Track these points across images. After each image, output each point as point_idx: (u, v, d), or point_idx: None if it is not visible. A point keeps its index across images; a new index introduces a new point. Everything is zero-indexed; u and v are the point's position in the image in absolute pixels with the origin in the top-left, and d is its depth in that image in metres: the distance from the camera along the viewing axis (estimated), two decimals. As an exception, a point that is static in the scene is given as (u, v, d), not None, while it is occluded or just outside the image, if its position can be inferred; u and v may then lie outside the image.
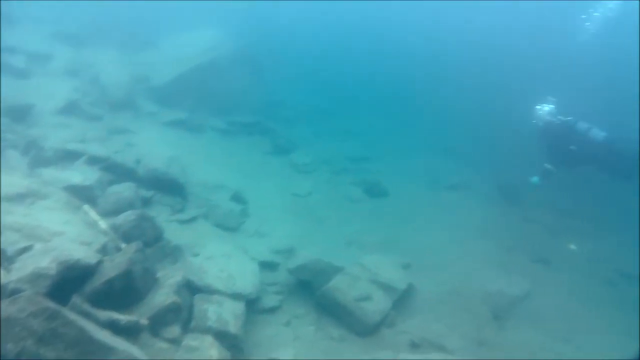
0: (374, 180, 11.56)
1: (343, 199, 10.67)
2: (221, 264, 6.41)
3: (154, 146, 9.66)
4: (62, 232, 5.15)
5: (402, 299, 6.91)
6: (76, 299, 3.93)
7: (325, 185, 11.12)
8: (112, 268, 4.57)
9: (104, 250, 5.17)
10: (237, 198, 9.00)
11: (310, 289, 6.75)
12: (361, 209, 10.38)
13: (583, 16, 14.12)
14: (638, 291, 9.88)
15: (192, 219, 7.79)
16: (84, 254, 4.56)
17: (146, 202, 7.61)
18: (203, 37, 14.95)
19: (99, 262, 4.60)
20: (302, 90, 19.10)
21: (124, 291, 4.55)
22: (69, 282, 4.19)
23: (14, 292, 3.65)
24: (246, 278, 6.29)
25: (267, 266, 7.13)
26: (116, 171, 7.85)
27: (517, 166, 10.07)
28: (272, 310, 6.31)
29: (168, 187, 8.19)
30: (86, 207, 6.17)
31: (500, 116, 19.17)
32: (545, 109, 8.92)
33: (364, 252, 8.18)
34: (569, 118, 8.61)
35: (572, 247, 11.68)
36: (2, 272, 3.95)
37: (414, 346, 6.10)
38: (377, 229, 9.55)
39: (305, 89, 19.55)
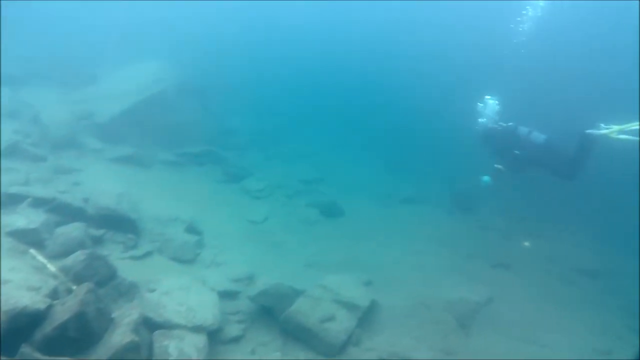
0: (329, 200, 11.62)
1: (299, 222, 10.66)
2: (179, 297, 6.24)
3: (101, 184, 9.38)
4: (8, 280, 4.90)
5: (367, 316, 6.90)
6: (25, 349, 3.75)
7: (280, 210, 11.09)
8: (63, 312, 4.38)
9: (54, 294, 4.95)
10: (192, 229, 8.82)
11: (273, 315, 6.65)
12: (318, 231, 10.40)
13: (518, 18, 14.64)
14: (595, 287, 10.23)
15: (147, 255, 7.60)
16: (32, 300, 4.36)
17: (97, 241, 7.37)
18: (147, 69, 14.77)
19: (49, 307, 4.42)
20: (251, 117, 19.04)
21: (79, 334, 4.37)
22: (17, 331, 3.99)
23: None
24: (206, 309, 6.14)
25: (227, 295, 7.00)
26: (63, 212, 7.56)
27: (467, 173, 10.28)
28: (236, 339, 6.17)
29: (119, 224, 7.96)
30: (33, 251, 5.93)
31: (445, 125, 19.70)
32: (485, 113, 9.17)
33: (325, 273, 8.10)
34: (510, 123, 8.85)
35: (526, 244, 12.03)
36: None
37: (383, 362, 6.10)
38: (336, 249, 9.57)
39: (254, 115, 19.49)
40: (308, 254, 9.11)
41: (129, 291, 6.16)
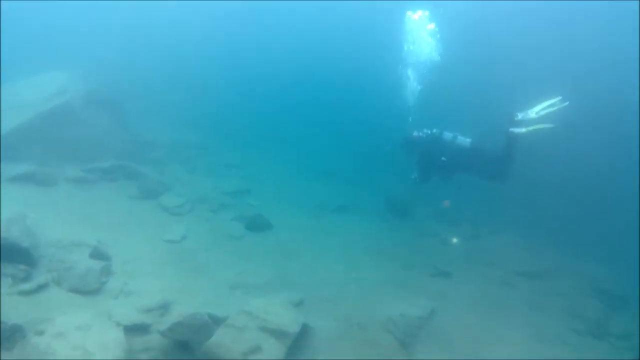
0: (255, 213, 10.81)
1: (223, 239, 9.78)
2: (75, 339, 5.28)
3: (-8, 208, 8.18)
4: None
5: (298, 343, 6.16)
6: None
7: (202, 226, 10.15)
8: None
9: None
10: (98, 254, 7.76)
11: (190, 350, 5.79)
12: (244, 247, 9.57)
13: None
14: (535, 290, 10.07)
15: (40, 288, 6.50)
16: None
17: (-25, 276, 6.25)
18: (51, 80, 13.39)
19: None
20: (172, 128, 17.93)
21: None
22: None
23: None
24: (108, 351, 5.23)
25: (136, 330, 6.05)
26: None
27: (398, 178, 9.86)
28: (144, 383, 5.28)
29: (8, 253, 6.81)
30: None
31: (371, 130, 19.47)
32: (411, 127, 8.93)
33: (251, 296, 7.38)
34: (434, 130, 8.66)
35: (454, 240, 11.83)
36: None
37: (315, 396, 5.39)
38: (263, 267, 8.79)
39: (175, 126, 18.40)
40: (232, 275, 8.26)
41: (10, 337, 5.14)
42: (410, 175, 8.97)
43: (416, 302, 7.94)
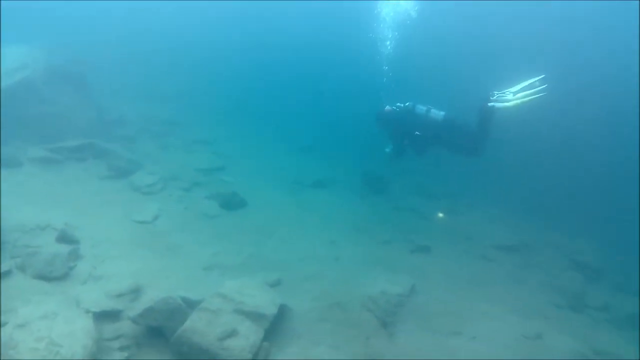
0: (230, 191, 10.50)
1: (197, 218, 9.48)
2: (40, 329, 5.00)
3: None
4: None
5: (275, 326, 5.98)
6: None
7: (175, 205, 9.82)
8: None
9: None
10: (65, 238, 7.43)
11: (164, 336, 5.56)
12: (219, 226, 9.29)
13: None
14: (514, 263, 10.10)
15: (2, 275, 6.16)
16: None
17: None
18: (11, 55, 12.73)
19: None
20: (142, 103, 17.42)
21: None
22: None
23: None
24: (76, 340, 4.96)
25: (106, 317, 5.80)
26: None
27: (375, 152, 9.66)
28: (116, 373, 5.05)
29: (-34, 240, 6.49)
30: None
31: (349, 107, 19.22)
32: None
33: (227, 277, 7.16)
34: (407, 103, 8.48)
35: (440, 215, 11.82)
36: None
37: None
38: (238, 246, 8.55)
39: (145, 101, 17.88)
40: (207, 255, 8.00)
41: (-31, 329, 4.84)
42: (384, 149, 8.84)
43: (396, 279, 7.81)
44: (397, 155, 8.67)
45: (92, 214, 8.65)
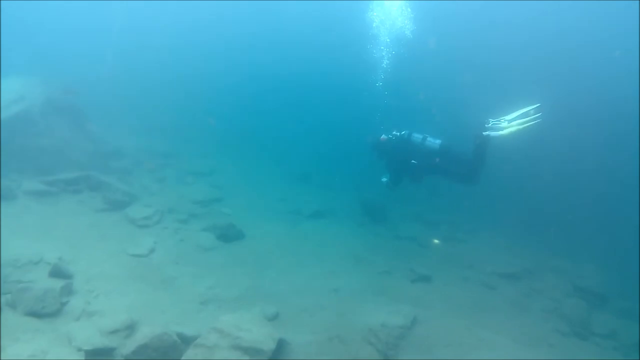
0: (227, 223, 10.36)
1: (193, 251, 9.32)
2: (29, 369, 4.83)
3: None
4: None
5: (274, 361, 5.78)
6: None
7: (171, 238, 9.66)
8: None
9: None
10: (59, 272, 7.25)
11: (158, 374, 5.37)
12: (215, 259, 9.13)
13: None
14: (517, 291, 9.94)
15: (-8, 313, 6.02)
16: None
17: None
18: (7, 87, 12.71)
19: None
20: (139, 136, 17.41)
21: None
22: None
23: None
24: (66, 381, 4.78)
25: (98, 355, 5.60)
26: None
27: (373, 180, 9.58)
28: (107, 415, 4.85)
29: (-44, 276, 6.33)
30: None
31: (346, 134, 19.25)
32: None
33: (223, 311, 6.99)
34: (403, 132, 8.47)
35: (436, 241, 11.69)
36: None
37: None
38: (235, 279, 8.38)
39: (143, 133, 17.89)
40: (203, 289, 7.83)
41: (-45, 370, 4.66)
42: (381, 178, 8.80)
43: (397, 309, 7.66)
44: (394, 184, 8.63)
45: (87, 248, 8.49)
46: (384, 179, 8.69)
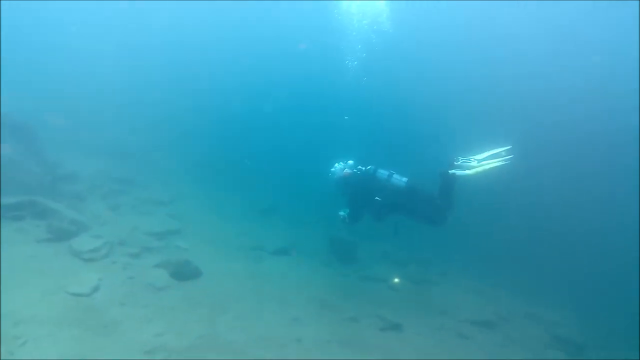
0: (183, 259, 9.47)
1: (143, 290, 8.38)
2: None
3: None
4: None
5: None
6: None
7: (118, 275, 8.70)
8: None
9: None
10: (-20, 315, 6.33)
11: None
12: (167, 300, 8.21)
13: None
14: (494, 340, 9.43)
15: None
16: None
17: None
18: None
19: None
20: (97, 160, 16.40)
21: None
22: None
23: None
24: None
25: (14, 422, 4.69)
26: None
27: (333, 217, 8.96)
28: None
29: None
30: None
31: (313, 165, 18.76)
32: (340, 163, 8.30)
33: (170, 364, 6.13)
34: (368, 167, 8.05)
35: (396, 280, 11.16)
36: None
37: None
38: (188, 324, 7.51)
39: (101, 157, 16.88)
40: (150, 335, 6.93)
41: None
42: (338, 212, 8.23)
43: (364, 366, 6.93)
44: (353, 220, 8.09)
45: (19, 285, 7.52)
46: (342, 213, 8.16)
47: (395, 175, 7.83)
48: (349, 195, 8.10)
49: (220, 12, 32.74)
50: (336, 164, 8.30)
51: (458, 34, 26.82)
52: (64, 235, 9.82)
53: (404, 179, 7.77)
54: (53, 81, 21.74)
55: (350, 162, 8.24)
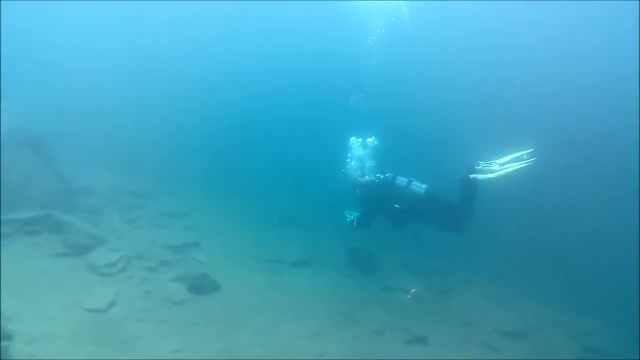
0: (200, 273, 9.23)
1: (160, 305, 8.16)
2: None
3: None
4: None
5: None
6: None
7: (135, 289, 8.49)
8: None
9: None
10: (-4, 332, 6.13)
11: None
12: (185, 315, 7.98)
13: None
14: (523, 352, 9.10)
15: None
16: None
17: None
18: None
19: None
20: (113, 173, 16.30)
21: None
22: None
23: None
24: None
25: None
26: None
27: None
28: None
29: None
30: None
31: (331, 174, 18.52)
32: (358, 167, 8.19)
33: (189, 382, 5.89)
34: (387, 174, 7.85)
35: (413, 291, 10.83)
36: None
37: None
38: (206, 340, 7.27)
39: (117, 171, 16.79)
40: (167, 352, 6.69)
41: None
42: (347, 216, 8.15)
43: (392, 381, 6.62)
44: (363, 226, 7.95)
45: (35, 301, 7.34)
46: (350, 217, 8.05)
47: (414, 182, 7.62)
48: (365, 202, 7.95)
49: (236, 20, 32.83)
50: (352, 139, 8.18)
51: (471, 34, 26.59)
52: (80, 250, 9.67)
53: (424, 186, 7.54)
54: (61, 96, 21.76)
55: (370, 139, 8.11)
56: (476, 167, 7.03)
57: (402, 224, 7.76)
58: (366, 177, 7.97)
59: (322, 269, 12.01)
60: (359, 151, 8.12)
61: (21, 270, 8.27)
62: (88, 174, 14.84)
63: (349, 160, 8.23)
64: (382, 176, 7.91)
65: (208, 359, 6.73)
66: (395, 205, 7.54)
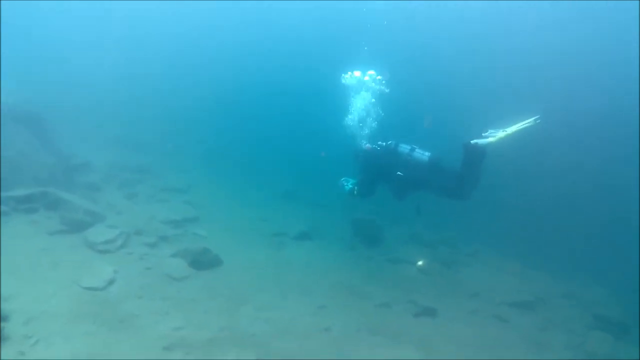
0: (201, 247, 9.05)
1: (160, 281, 7.99)
2: None
3: None
4: None
5: None
6: None
7: (135, 266, 8.32)
8: None
9: None
10: (-8, 312, 5.96)
11: None
12: (186, 291, 7.82)
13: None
14: (532, 323, 8.98)
15: None
16: None
17: None
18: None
19: None
20: (112, 150, 16.09)
21: None
22: None
23: None
24: None
25: None
26: None
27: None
28: None
29: None
30: None
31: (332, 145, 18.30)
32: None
33: (192, 358, 5.73)
34: (389, 142, 7.69)
35: (420, 263, 10.68)
36: None
37: None
38: (208, 317, 7.11)
39: (117, 147, 16.57)
40: (168, 330, 6.52)
41: None
42: (344, 184, 8.15)
43: (399, 352, 6.53)
44: (364, 194, 7.91)
45: (32, 279, 7.16)
46: (349, 185, 7.99)
47: (417, 150, 7.49)
48: (367, 170, 7.83)
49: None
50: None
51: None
52: (78, 227, 9.47)
53: (427, 153, 7.41)
54: (60, 72, 21.43)
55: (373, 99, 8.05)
56: (483, 134, 6.85)
57: (404, 193, 7.65)
58: (367, 145, 7.82)
59: (325, 242, 11.86)
60: (360, 100, 7.95)
61: (18, 249, 8.07)
62: (87, 151, 14.61)
63: (350, 116, 8.05)
64: (384, 144, 7.75)
65: (210, 336, 6.55)
66: (398, 173, 7.40)
